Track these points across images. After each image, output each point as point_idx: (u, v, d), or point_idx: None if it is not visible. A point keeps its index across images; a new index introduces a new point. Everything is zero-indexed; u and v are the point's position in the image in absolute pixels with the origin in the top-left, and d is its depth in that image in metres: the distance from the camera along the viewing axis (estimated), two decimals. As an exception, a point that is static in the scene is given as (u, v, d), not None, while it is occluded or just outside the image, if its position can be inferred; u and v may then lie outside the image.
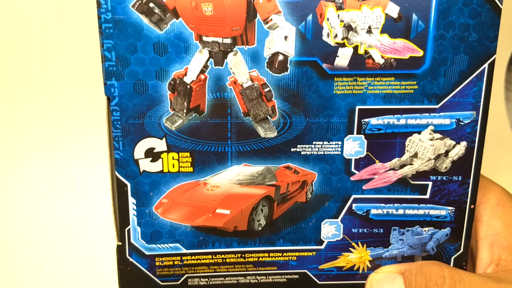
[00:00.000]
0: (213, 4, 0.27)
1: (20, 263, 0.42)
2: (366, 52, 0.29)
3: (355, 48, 0.29)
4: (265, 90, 0.29)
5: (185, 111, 0.29)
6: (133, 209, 0.31)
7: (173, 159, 0.30)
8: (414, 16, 0.28)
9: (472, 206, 0.32)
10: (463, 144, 0.31)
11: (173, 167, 0.30)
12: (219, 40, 0.28)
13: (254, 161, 0.31)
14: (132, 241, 0.32)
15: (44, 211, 0.42)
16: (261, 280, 0.33)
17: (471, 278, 0.29)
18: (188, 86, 0.29)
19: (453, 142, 0.31)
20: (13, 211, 0.42)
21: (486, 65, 0.29)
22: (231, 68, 0.29)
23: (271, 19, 0.28)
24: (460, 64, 0.29)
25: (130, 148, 0.30)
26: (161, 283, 0.33)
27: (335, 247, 0.33)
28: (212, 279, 0.33)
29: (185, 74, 0.28)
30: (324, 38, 0.28)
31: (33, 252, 0.42)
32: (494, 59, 0.29)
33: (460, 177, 0.31)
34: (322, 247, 0.33)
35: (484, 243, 0.32)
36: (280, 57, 0.28)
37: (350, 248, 0.33)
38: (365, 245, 0.33)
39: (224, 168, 0.31)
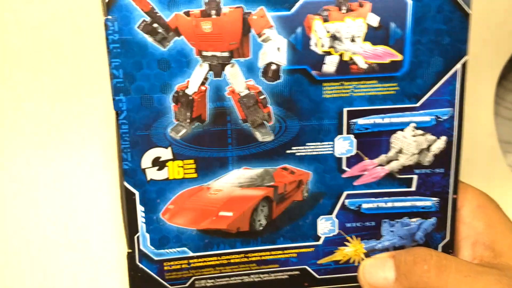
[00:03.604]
0: (211, 22, 0.30)
1: (28, 272, 0.42)
2: (350, 58, 0.32)
3: (341, 55, 0.32)
4: (261, 97, 0.32)
5: (188, 120, 0.31)
6: (142, 216, 0.33)
7: (178, 166, 0.32)
8: (392, 25, 0.31)
9: (454, 196, 0.35)
10: (443, 138, 0.34)
11: (178, 174, 0.32)
12: (218, 54, 0.31)
13: (253, 164, 0.33)
14: (141, 247, 0.33)
15: (51, 218, 0.43)
16: (264, 278, 0.35)
17: (457, 259, 0.32)
18: (190, 97, 0.31)
19: (434, 137, 0.34)
20: (19, 219, 0.43)
21: (459, 65, 0.32)
22: (229, 79, 0.31)
23: (264, 33, 0.30)
24: (436, 66, 0.32)
25: (138, 158, 0.32)
26: (170, 287, 0.34)
27: (332, 242, 0.35)
28: (218, 280, 0.35)
29: (187, 87, 0.31)
30: (312, 47, 0.31)
31: (42, 260, 0.43)
32: (466, 60, 0.32)
33: (442, 169, 0.34)
34: (320, 242, 0.35)
35: (467, 242, 0.34)
36: (273, 67, 0.31)
37: (345, 242, 0.36)
38: (359, 238, 0.36)
39: (226, 172, 0.33)
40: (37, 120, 0.42)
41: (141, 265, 0.34)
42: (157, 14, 0.29)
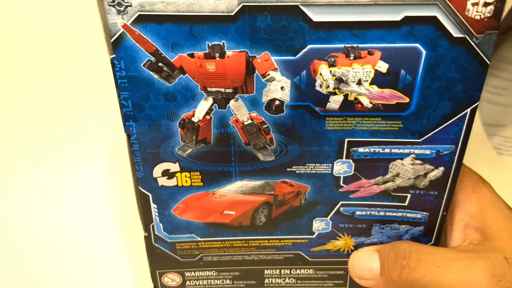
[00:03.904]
0: (215, 63, 0.30)
1: (61, 255, 0.50)
2: (355, 98, 0.31)
3: (346, 95, 0.31)
4: (264, 126, 0.33)
5: (194, 142, 0.34)
6: (155, 211, 0.37)
7: (185, 176, 0.35)
8: (402, 71, 0.30)
9: (444, 213, 0.37)
10: (441, 169, 0.34)
11: (186, 182, 0.36)
12: (222, 90, 0.31)
13: (255, 178, 0.36)
14: (156, 233, 0.39)
15: (75, 213, 0.49)
16: (262, 258, 0.41)
17: (434, 250, 0.34)
18: (196, 124, 0.33)
19: (432, 167, 0.35)
20: (45, 217, 0.49)
21: (468, 110, 0.32)
22: (233, 110, 0.32)
23: (268, 74, 0.30)
24: (443, 109, 0.32)
25: (149, 170, 0.35)
26: (182, 259, 0.41)
27: (325, 236, 0.39)
28: (222, 257, 0.41)
29: (193, 115, 0.32)
30: (317, 88, 0.31)
31: (73, 246, 0.50)
32: (477, 105, 0.31)
33: (436, 192, 0.36)
34: (313, 236, 0.39)
35: (459, 226, 0.37)
36: (277, 102, 0.32)
37: (337, 237, 0.40)
38: (350, 235, 0.39)
39: (229, 182, 0.36)
40: (58, 133, 0.45)
41: (156, 245, 0.39)
42: (162, 55, 0.29)
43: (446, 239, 0.39)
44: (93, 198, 0.50)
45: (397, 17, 0.28)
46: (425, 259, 0.34)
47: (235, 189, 0.36)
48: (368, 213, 0.38)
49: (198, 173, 0.35)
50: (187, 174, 0.35)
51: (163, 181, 0.36)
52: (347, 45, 0.29)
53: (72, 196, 0.50)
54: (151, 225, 0.38)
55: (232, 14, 0.28)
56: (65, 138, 0.48)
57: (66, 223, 0.50)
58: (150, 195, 0.36)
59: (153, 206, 0.37)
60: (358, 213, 0.38)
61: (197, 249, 0.40)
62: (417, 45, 0.29)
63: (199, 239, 0.39)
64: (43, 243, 0.50)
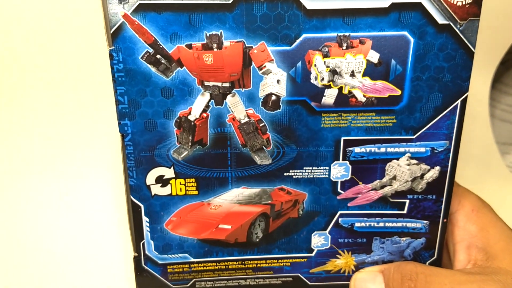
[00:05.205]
0: (213, 55, 0.31)
1: (47, 274, 0.46)
2: (349, 92, 0.32)
3: (340, 89, 0.32)
4: (260, 125, 0.33)
5: (190, 144, 0.33)
6: (147, 226, 0.35)
7: (180, 184, 0.34)
8: (393, 61, 0.31)
9: (445, 220, 0.36)
10: (437, 168, 0.34)
11: (181, 190, 0.35)
12: (219, 84, 0.32)
13: (251, 184, 0.35)
14: (146, 252, 0.36)
15: (65, 226, 0.47)
16: (259, 283, 0.38)
17: (441, 271, 0.33)
18: (192, 123, 0.32)
19: (428, 167, 0.34)
20: (40, 229, 0.46)
21: (459, 101, 0.32)
22: (230, 107, 0.32)
23: (264, 66, 0.31)
24: (434, 101, 0.32)
25: (142, 176, 0.34)
26: (173, 286, 0.38)
27: (324, 254, 0.38)
28: (216, 282, 0.38)
29: (189, 113, 0.32)
30: (312, 81, 0.32)
31: (58, 263, 0.46)
32: (466, 96, 0.32)
33: (434, 196, 0.35)
34: (313, 254, 0.38)
35: (461, 246, 0.36)
36: (273, 97, 0.32)
37: (337, 255, 0.38)
38: (350, 252, 0.38)
39: (225, 190, 0.35)
40: (54, 140, 0.45)
41: (146, 267, 0.37)
42: (160, 46, 0.30)
43: (449, 260, 0.38)
44: (95, 209, 0.47)
45: (385, 3, 0.30)
46: (433, 281, 0.32)
47: (231, 198, 0.35)
48: (367, 224, 0.37)
49: (193, 180, 0.34)
50: (182, 181, 0.34)
51: (156, 190, 0.34)
52: (339, 34, 0.30)
53: (74, 205, 0.47)
54: (141, 243, 0.36)
55: (230, 2, 0.29)
56: (69, 142, 0.46)
57: (69, 234, 0.47)
58: (142, 206, 0.35)
59: (145, 219, 0.35)
60: (357, 224, 0.37)
61: (189, 272, 0.37)
62: (405, 33, 0.30)
63: (192, 259, 0.37)
64: (41, 251, 0.46)
